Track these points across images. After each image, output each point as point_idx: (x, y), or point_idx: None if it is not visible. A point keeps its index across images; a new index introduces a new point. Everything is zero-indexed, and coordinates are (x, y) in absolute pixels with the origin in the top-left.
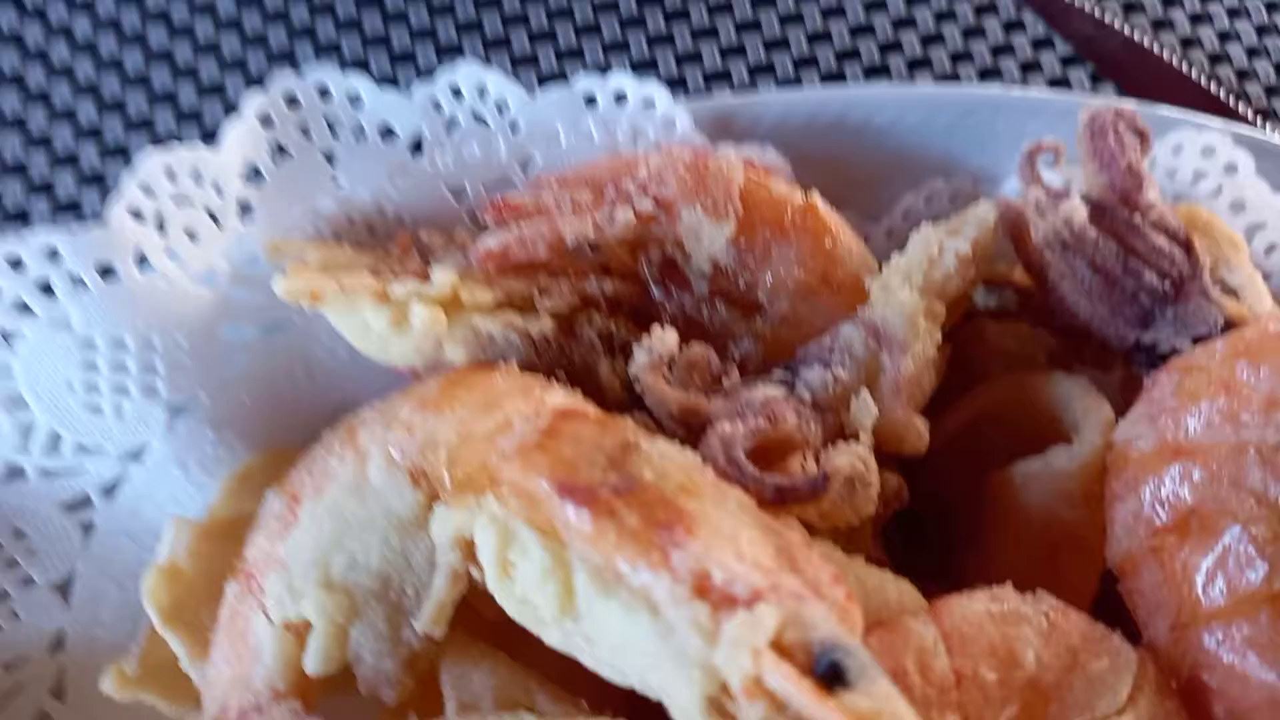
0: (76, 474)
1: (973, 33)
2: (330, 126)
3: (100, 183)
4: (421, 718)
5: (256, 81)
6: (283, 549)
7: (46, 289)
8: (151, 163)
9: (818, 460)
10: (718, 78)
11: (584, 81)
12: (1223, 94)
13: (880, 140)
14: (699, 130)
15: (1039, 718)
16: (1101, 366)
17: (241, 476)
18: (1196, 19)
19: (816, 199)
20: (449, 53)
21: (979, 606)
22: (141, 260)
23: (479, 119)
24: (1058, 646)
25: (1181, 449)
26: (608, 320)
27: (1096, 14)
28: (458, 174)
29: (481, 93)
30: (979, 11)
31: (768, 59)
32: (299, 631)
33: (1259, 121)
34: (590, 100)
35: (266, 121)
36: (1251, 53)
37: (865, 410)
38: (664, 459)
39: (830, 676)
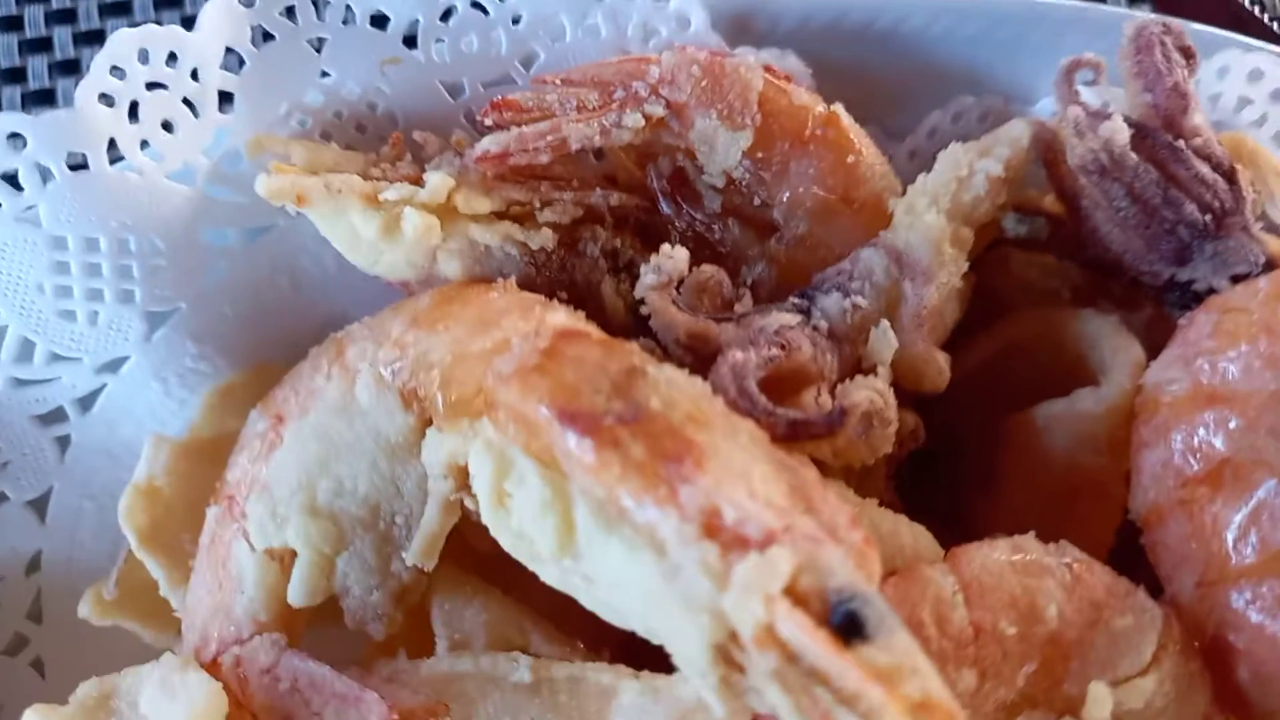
0: (50, 384)
1: None
2: (316, 8)
3: (75, 69)
4: (411, 654)
5: None
6: (266, 471)
7: (12, 180)
8: (124, 44)
9: (833, 394)
10: None
11: None
12: (1266, 18)
13: (907, 49)
14: (715, 30)
15: (1058, 675)
16: (1128, 304)
17: (223, 392)
18: None
19: (840, 110)
20: None
21: (1000, 556)
22: (114, 153)
23: (478, 6)
24: (1081, 601)
25: (1217, 395)
26: (613, 236)
27: None
28: (454, 68)
29: None
30: None
31: None
32: (283, 560)
33: None
34: None
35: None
36: None
37: (885, 342)
38: (671, 386)
39: (847, 627)
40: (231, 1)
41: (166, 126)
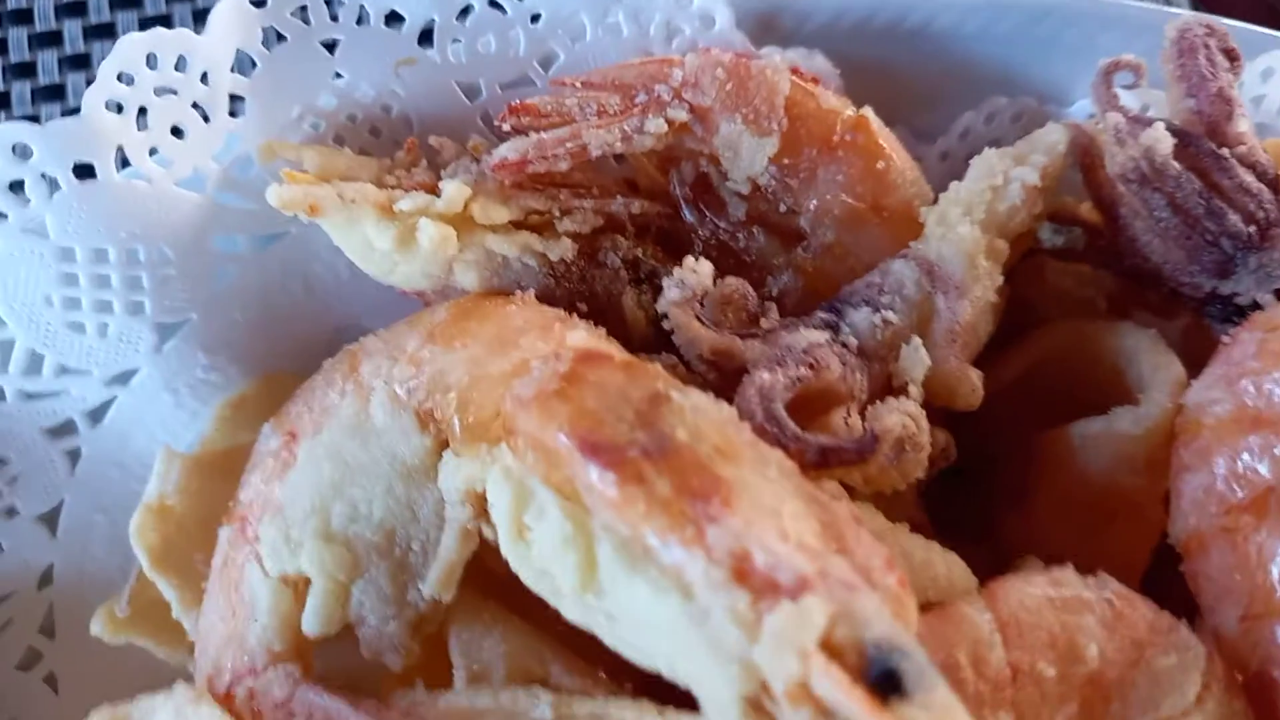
0: (59, 397)
1: None
2: (329, 7)
3: (85, 63)
4: (428, 684)
5: None
6: (279, 492)
7: (18, 189)
8: (132, 48)
9: (863, 414)
10: None
11: None
12: None
13: (938, 48)
14: (740, 30)
15: (1098, 717)
16: (1165, 312)
17: (235, 404)
18: None
19: (869, 114)
20: None
21: (1037, 591)
22: (122, 160)
23: (495, 5)
24: (1122, 640)
25: (1262, 418)
26: (634, 245)
27: None
28: (471, 69)
29: None
30: None
31: None
32: (296, 586)
33: None
34: None
35: (259, 0)
36: None
37: (917, 361)
38: (697, 414)
39: (884, 683)
40: (242, 2)
41: (176, 132)
